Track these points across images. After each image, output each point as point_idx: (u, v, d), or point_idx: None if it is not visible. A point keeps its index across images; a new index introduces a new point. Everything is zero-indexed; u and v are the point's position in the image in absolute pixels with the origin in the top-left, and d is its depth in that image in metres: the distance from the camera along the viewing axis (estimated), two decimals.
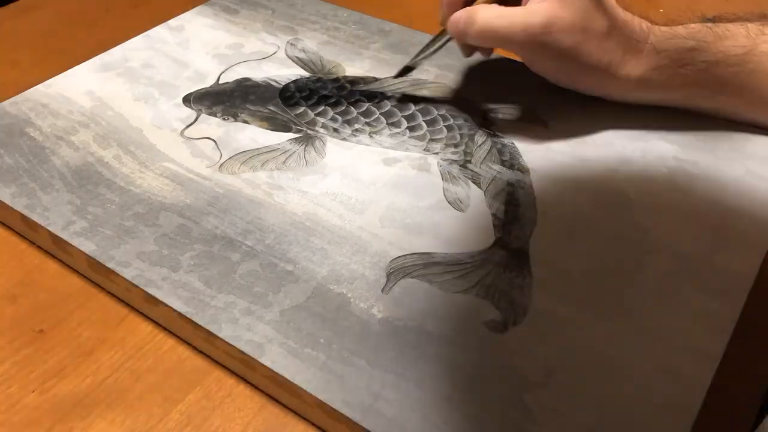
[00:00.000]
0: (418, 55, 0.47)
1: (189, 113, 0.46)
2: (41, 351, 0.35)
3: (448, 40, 0.45)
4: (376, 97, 0.48)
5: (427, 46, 0.46)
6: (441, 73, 0.50)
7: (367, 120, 0.46)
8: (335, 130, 0.45)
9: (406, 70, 0.48)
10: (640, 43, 0.42)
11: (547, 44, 0.40)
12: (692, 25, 0.43)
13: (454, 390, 0.31)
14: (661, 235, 0.38)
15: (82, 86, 0.48)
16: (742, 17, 0.43)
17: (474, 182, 0.41)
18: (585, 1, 0.40)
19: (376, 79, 0.49)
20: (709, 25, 0.42)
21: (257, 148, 0.44)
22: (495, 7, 0.41)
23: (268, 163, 0.42)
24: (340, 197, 0.40)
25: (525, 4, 0.42)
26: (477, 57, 0.51)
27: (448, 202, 0.40)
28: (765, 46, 0.41)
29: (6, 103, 0.46)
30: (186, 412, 0.32)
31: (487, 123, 0.46)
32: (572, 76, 0.44)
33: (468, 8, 0.42)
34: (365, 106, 0.47)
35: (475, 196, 0.41)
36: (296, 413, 0.32)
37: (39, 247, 0.40)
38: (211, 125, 0.45)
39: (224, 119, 0.46)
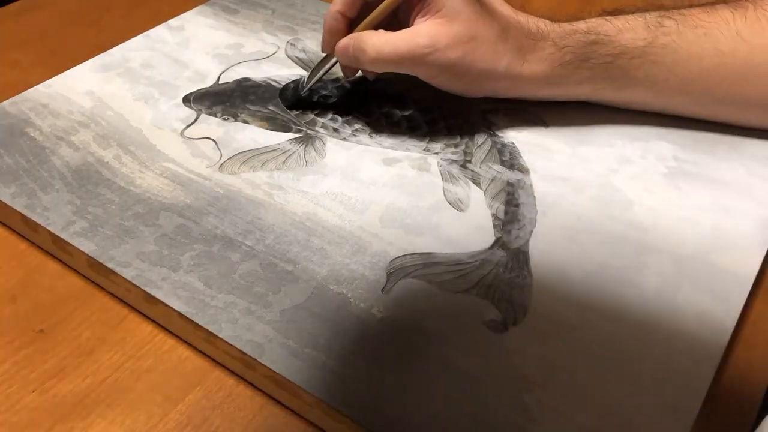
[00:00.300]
0: (307, 82, 0.46)
1: (189, 113, 0.46)
2: (41, 351, 0.35)
3: (334, 63, 0.45)
4: (377, 97, 0.48)
5: (313, 72, 0.46)
6: None
7: (367, 120, 0.46)
8: (335, 130, 0.45)
9: (297, 102, 0.47)
10: (539, 41, 0.43)
11: (434, 61, 0.41)
12: (593, 20, 0.44)
13: (454, 390, 0.31)
14: (661, 235, 0.38)
15: (82, 86, 0.48)
16: (642, 8, 0.44)
17: (474, 182, 0.42)
18: (469, 13, 0.41)
19: None
20: (608, 18, 0.43)
21: (257, 148, 0.44)
22: (381, 33, 0.42)
23: (268, 163, 0.42)
24: (340, 197, 0.40)
25: (412, 24, 0.42)
26: None
27: (448, 202, 0.40)
28: (664, 39, 0.42)
29: (6, 103, 0.46)
30: (186, 412, 0.32)
31: (487, 123, 0.46)
32: (476, 85, 0.44)
33: (355, 36, 0.42)
34: (365, 106, 0.47)
35: (475, 196, 0.41)
36: (296, 413, 0.32)
37: (39, 247, 0.40)
38: (211, 125, 0.45)
39: (224, 119, 0.46)
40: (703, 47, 0.42)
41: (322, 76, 0.46)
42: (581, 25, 0.43)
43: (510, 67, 0.42)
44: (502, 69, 0.42)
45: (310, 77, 0.46)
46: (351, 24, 0.44)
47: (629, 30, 0.43)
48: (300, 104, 0.47)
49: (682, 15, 0.43)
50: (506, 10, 0.43)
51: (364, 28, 0.43)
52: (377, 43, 0.41)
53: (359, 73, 0.46)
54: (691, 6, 0.44)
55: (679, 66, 0.42)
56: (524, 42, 0.42)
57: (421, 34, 0.41)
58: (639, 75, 0.43)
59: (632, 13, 0.44)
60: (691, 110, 0.45)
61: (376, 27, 0.43)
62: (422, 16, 0.41)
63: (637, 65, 0.43)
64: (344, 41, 0.43)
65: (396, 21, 0.43)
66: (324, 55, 0.46)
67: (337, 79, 0.49)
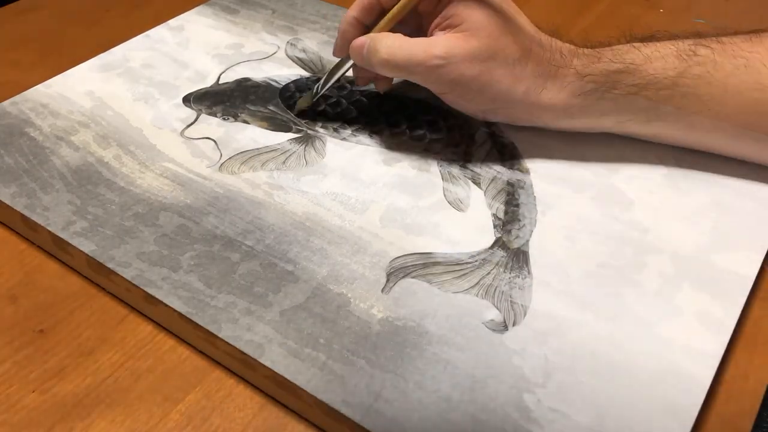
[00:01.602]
0: (322, 87, 0.45)
1: (189, 113, 0.46)
2: (41, 351, 0.35)
3: (347, 69, 0.44)
4: (376, 97, 0.48)
5: (327, 77, 0.45)
6: None
7: (367, 120, 0.46)
8: (335, 129, 0.45)
9: (305, 109, 0.46)
10: (560, 68, 0.40)
11: (446, 75, 0.39)
12: (619, 46, 0.40)
13: (454, 390, 0.31)
14: (661, 235, 0.38)
15: (82, 86, 0.48)
16: (676, 35, 0.41)
17: (474, 182, 0.42)
18: (492, 30, 0.39)
19: None
20: (637, 45, 0.40)
21: (257, 148, 0.44)
22: (398, 36, 0.40)
23: (268, 163, 0.42)
24: (340, 197, 0.40)
25: (431, 35, 0.40)
26: None
27: (448, 202, 0.40)
28: (698, 69, 0.39)
29: (6, 103, 0.46)
30: (186, 412, 0.32)
31: (487, 123, 0.46)
32: (490, 108, 0.42)
33: (371, 35, 0.41)
34: (365, 105, 0.47)
35: (475, 196, 0.41)
36: (296, 413, 0.32)
37: (39, 247, 0.40)
38: (211, 125, 0.45)
39: (224, 119, 0.46)
40: (742, 80, 0.38)
41: (336, 82, 0.45)
42: (607, 53, 0.40)
43: (528, 93, 0.40)
44: (519, 94, 0.40)
45: (324, 83, 0.45)
46: (366, 31, 0.42)
47: (659, 59, 0.39)
48: (309, 112, 0.47)
49: (720, 43, 0.39)
50: (531, 30, 0.40)
51: (380, 30, 0.41)
52: (392, 46, 0.39)
53: (371, 86, 0.46)
54: (734, 34, 0.40)
55: (713, 100, 0.39)
56: (545, 68, 0.40)
57: (437, 45, 0.39)
58: (668, 108, 0.40)
59: (665, 40, 0.40)
60: (728, 149, 0.42)
61: (393, 31, 0.41)
62: (442, 29, 0.40)
63: (665, 97, 0.39)
64: (360, 39, 0.41)
65: (422, 34, 0.42)
66: (337, 60, 0.45)
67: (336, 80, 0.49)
